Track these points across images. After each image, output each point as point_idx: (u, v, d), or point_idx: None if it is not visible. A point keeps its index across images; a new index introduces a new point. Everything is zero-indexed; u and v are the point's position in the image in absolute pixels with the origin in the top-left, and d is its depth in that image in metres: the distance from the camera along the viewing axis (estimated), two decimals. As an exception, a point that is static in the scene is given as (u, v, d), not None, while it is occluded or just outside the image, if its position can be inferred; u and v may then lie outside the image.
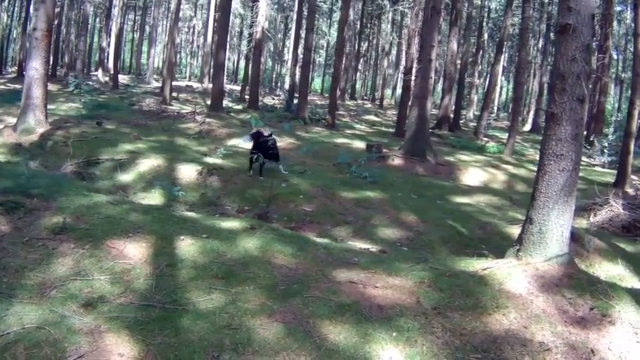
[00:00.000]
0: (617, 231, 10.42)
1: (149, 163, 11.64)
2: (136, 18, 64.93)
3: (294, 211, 9.60)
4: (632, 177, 17.12)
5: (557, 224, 6.35)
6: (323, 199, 10.13)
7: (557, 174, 6.28)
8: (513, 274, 6.01)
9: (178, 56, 75.11)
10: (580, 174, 16.79)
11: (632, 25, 23.08)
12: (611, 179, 17.32)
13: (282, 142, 17.99)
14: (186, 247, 6.30)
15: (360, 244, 8.11)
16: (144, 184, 10.77)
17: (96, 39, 58.82)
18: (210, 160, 12.39)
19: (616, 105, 48.49)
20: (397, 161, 16.10)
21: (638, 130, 25.24)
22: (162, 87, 30.91)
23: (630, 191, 15.60)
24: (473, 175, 16.17)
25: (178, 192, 9.95)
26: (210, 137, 18.49)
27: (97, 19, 59.43)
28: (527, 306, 5.47)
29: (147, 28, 61.60)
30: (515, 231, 9.33)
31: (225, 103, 31.58)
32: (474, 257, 7.10)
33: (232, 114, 26.34)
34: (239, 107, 30.48)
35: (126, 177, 11.08)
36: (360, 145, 18.91)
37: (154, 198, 10.14)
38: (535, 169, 17.55)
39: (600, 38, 28.13)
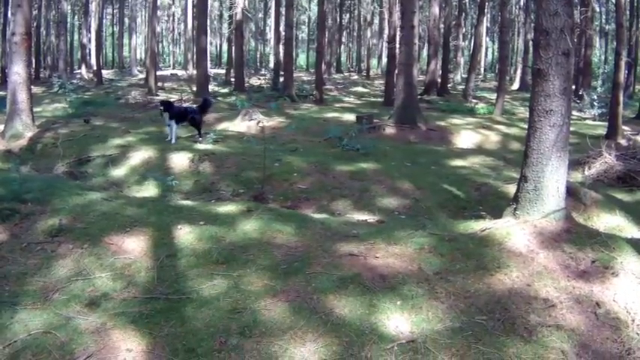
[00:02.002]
0: (613, 182, 10.45)
1: (140, 155, 11.57)
2: (114, 11, 64.18)
3: (289, 189, 9.58)
4: (624, 127, 17.16)
5: (552, 180, 6.35)
6: (317, 175, 10.11)
7: (549, 130, 6.27)
8: (512, 233, 6.02)
9: (160, 45, 74.57)
10: (571, 128, 16.89)
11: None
12: (603, 131, 17.34)
13: (272, 121, 17.97)
14: (185, 235, 6.27)
15: (358, 216, 8.12)
16: (137, 177, 10.71)
17: (76, 37, 58.35)
18: (200, 146, 12.32)
19: (602, 57, 48.39)
20: (388, 130, 16.07)
21: (627, 81, 25.30)
22: (146, 78, 30.68)
23: (623, 142, 15.62)
24: (465, 137, 16.16)
25: (172, 181, 9.89)
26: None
27: (76, 17, 58.82)
28: (529, 264, 5.48)
29: (126, 20, 61.04)
30: (511, 190, 9.33)
31: (211, 87, 31.40)
32: (472, 219, 7.10)
33: (219, 98, 26.19)
34: (225, 91, 30.32)
35: (118, 172, 11.01)
36: (350, 117, 18.84)
37: (148, 190, 10.08)
38: (525, 127, 17.71)
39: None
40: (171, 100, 22.02)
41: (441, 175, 10.39)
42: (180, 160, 11.17)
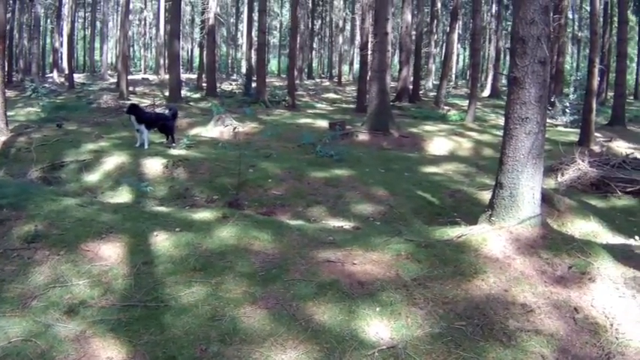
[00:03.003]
0: (587, 189, 10.61)
1: (114, 160, 11.42)
2: (87, 15, 63.46)
3: (264, 196, 9.55)
4: (596, 134, 17.44)
5: (527, 187, 6.43)
6: (292, 182, 10.10)
7: (524, 137, 6.35)
8: (488, 239, 6.08)
9: (131, 49, 73.89)
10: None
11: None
12: (575, 138, 17.57)
13: (246, 127, 17.92)
14: (161, 242, 6.21)
15: (334, 223, 8.13)
16: (111, 182, 10.56)
17: (49, 40, 57.45)
18: (174, 152, 12.21)
19: (574, 64, 49.12)
20: (361, 137, 16.13)
21: (599, 88, 25.74)
22: (118, 82, 30.36)
23: (596, 148, 15.88)
24: (438, 144, 16.30)
25: (146, 187, 9.79)
26: (171, 128, 18.26)
27: (48, 20, 57.96)
28: (506, 269, 5.55)
29: (98, 24, 60.37)
30: (485, 196, 9.45)
31: (184, 92, 31.16)
32: (448, 226, 7.16)
33: (191, 103, 26.05)
34: (197, 96, 30.13)
35: (92, 177, 10.86)
36: (323, 123, 18.89)
37: (122, 196, 9.95)
38: (499, 133, 17.91)
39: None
40: (143, 104, 21.92)
41: (414, 182, 10.45)
42: (153, 166, 11.06)
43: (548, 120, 23.65)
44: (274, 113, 22.59)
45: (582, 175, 11.02)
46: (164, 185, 10.37)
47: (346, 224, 8.06)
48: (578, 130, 18.50)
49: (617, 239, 7.82)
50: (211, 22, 29.57)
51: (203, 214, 7.44)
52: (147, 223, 6.75)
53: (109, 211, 7.17)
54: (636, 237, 7.74)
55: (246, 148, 13.54)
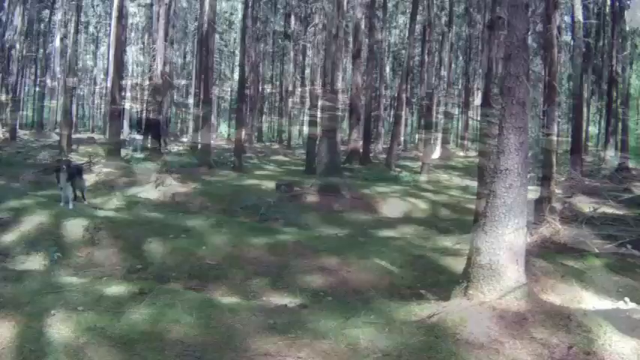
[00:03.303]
0: (560, 248, 9.64)
1: (34, 220, 9.93)
2: (38, 72, 61.63)
3: (196, 265, 8.14)
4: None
5: (509, 252, 5.32)
6: (230, 249, 8.72)
7: (504, 192, 5.26)
8: (468, 319, 4.89)
9: (81, 109, 71.96)
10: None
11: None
12: (534, 195, 16.76)
13: (186, 188, 16.62)
14: (57, 324, 5.07)
15: (277, 299, 6.82)
16: (24, 245, 9.07)
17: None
18: (102, 213, 10.78)
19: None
20: (311, 198, 14.92)
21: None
22: (60, 139, 28.73)
23: (557, 205, 14.99)
24: (393, 206, 15.17)
25: (54, 254, 8.37)
26: (107, 187, 16.77)
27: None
28: (494, 357, 4.31)
29: (48, 82, 58.59)
30: (450, 262, 8.31)
31: (127, 152, 29.88)
32: (414, 301, 5.95)
33: (133, 162, 24.67)
34: (140, 156, 28.71)
35: (6, 238, 9.34)
36: (270, 185, 17.64)
37: (34, 262, 8.50)
38: (455, 194, 16.93)
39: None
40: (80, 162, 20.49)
41: (371, 248, 9.23)
42: (74, 228, 9.58)
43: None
44: (219, 174, 21.27)
45: (554, 233, 10.02)
46: (82, 251, 8.92)
47: (291, 301, 6.74)
48: (537, 188, 17.79)
49: (605, 303, 6.95)
50: (156, 80, 28.47)
51: (117, 289, 6.18)
52: (47, 298, 5.66)
53: (9, 280, 6.17)
54: (626, 299, 6.85)
55: (183, 210, 12.18)
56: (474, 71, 53.96)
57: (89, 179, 18.14)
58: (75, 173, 12.00)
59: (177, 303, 5.65)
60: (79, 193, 12.39)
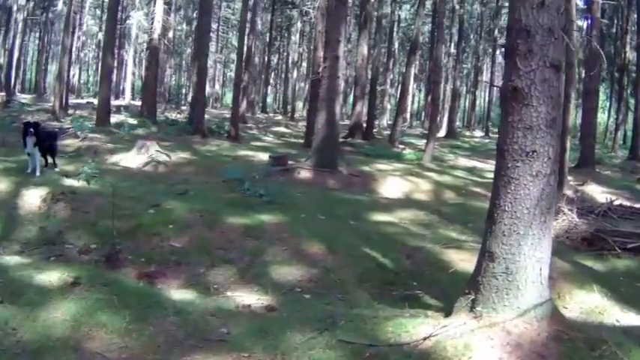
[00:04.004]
0: (578, 245, 8.48)
1: (-9, 188, 8.88)
2: (43, 36, 60.20)
3: (157, 247, 6.96)
4: (568, 177, 15.43)
5: (532, 258, 4.17)
6: (200, 229, 7.53)
7: (529, 181, 4.08)
8: (474, 346, 3.75)
9: (85, 74, 70.56)
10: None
11: None
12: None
13: (174, 157, 15.44)
14: None
15: (242, 296, 5.64)
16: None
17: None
18: (67, 182, 9.61)
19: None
20: (304, 174, 13.72)
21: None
22: (53, 102, 27.50)
23: (569, 193, 13.88)
24: (392, 185, 13.97)
25: (-1, 229, 7.27)
26: (89, 154, 15.58)
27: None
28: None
29: (52, 46, 57.21)
30: (453, 257, 7.15)
31: (121, 117, 28.70)
32: (406, 312, 4.77)
33: (124, 128, 23.44)
34: (134, 122, 27.48)
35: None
36: (264, 157, 16.46)
37: (-22, 236, 7.41)
38: (460, 174, 15.72)
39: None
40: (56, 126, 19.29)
41: (362, 234, 8.05)
42: (31, 199, 8.45)
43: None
44: (212, 143, 20.06)
45: (571, 227, 8.84)
46: (35, 224, 7.80)
47: (259, 298, 5.58)
48: None
49: (629, 316, 5.87)
50: (155, 43, 27.19)
51: (49, 276, 5.11)
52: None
53: None
54: None
55: (162, 181, 11.02)
56: (484, 50, 52.47)
57: (73, 144, 16.99)
58: (45, 138, 10.86)
59: (113, 299, 4.54)
60: (50, 160, 11.29)
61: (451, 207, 11.27)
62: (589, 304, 6.01)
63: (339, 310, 4.94)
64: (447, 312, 4.55)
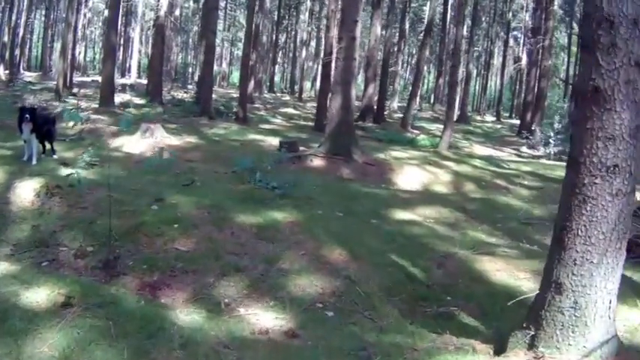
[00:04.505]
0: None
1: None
2: (49, 13, 59.29)
3: (161, 251, 6.28)
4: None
5: (603, 290, 3.52)
6: (208, 229, 6.86)
7: (608, 201, 3.40)
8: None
9: (91, 52, 69.71)
10: (526, 168, 14.06)
11: None
12: (563, 173, 14.84)
13: (179, 141, 14.80)
14: None
15: (257, 314, 4.98)
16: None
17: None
18: (65, 171, 8.90)
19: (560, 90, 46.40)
20: (317, 162, 13.04)
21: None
22: (57, 80, 26.72)
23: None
24: (410, 175, 13.26)
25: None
26: (91, 138, 14.86)
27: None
28: None
29: (58, 23, 56.35)
30: (487, 266, 6.49)
31: (127, 97, 28.05)
32: (446, 335, 4.14)
33: (131, 109, 22.72)
34: (140, 102, 26.80)
35: None
36: (274, 142, 15.76)
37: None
38: (478, 164, 15.00)
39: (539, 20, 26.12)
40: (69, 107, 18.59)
41: (385, 236, 7.38)
42: (24, 192, 7.76)
43: (527, 150, 21.27)
44: (220, 126, 19.32)
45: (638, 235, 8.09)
46: (27, 223, 7.11)
47: (276, 319, 4.92)
48: (564, 164, 15.86)
49: None
50: (161, 20, 26.37)
51: (37, 293, 4.52)
52: None
53: None
54: None
55: (166, 171, 10.36)
56: (496, 34, 51.42)
57: (75, 127, 16.26)
58: (42, 123, 10.17)
59: (109, 326, 3.90)
60: (48, 146, 10.59)
61: (475, 202, 10.59)
62: (632, 322, 5.33)
63: (370, 337, 4.29)
64: (498, 346, 3.90)
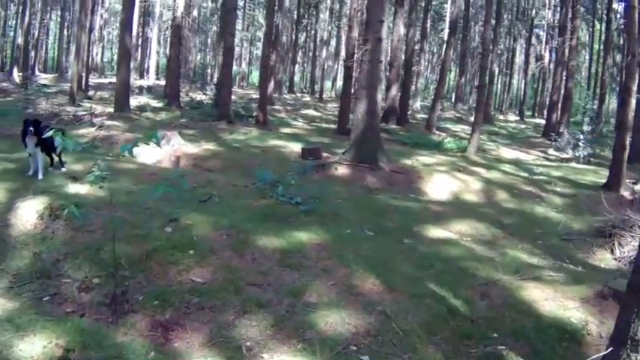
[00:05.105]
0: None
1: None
2: (64, 14, 59.28)
3: (175, 283, 5.67)
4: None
5: None
6: (227, 255, 6.26)
7: None
8: None
9: (108, 53, 69.66)
10: (556, 173, 13.38)
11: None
12: (594, 177, 14.46)
13: (197, 149, 14.29)
14: None
15: (283, 363, 4.38)
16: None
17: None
18: (73, 188, 8.34)
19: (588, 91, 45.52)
20: (342, 170, 12.43)
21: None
22: (71, 82, 26.30)
23: (626, 194, 12.54)
24: (439, 183, 12.59)
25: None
26: (105, 146, 14.32)
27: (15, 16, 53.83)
28: None
29: (75, 26, 56.39)
30: (535, 295, 5.84)
31: (144, 99, 27.74)
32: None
33: (147, 113, 22.27)
34: (158, 105, 26.36)
35: None
36: (296, 148, 15.17)
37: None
38: (508, 170, 14.24)
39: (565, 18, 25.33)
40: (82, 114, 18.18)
41: (421, 260, 6.74)
42: (26, 214, 7.09)
43: (555, 153, 20.44)
44: (240, 131, 18.73)
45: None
46: (28, 250, 6.47)
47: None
48: (594, 168, 15.96)
49: None
50: (177, 21, 25.94)
51: (33, 344, 4.07)
52: None
53: None
54: None
55: (180, 185, 9.75)
56: (518, 31, 50.44)
57: (88, 134, 15.71)
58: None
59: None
60: (56, 158, 9.96)
61: (512, 216, 9.92)
62: None
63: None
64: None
